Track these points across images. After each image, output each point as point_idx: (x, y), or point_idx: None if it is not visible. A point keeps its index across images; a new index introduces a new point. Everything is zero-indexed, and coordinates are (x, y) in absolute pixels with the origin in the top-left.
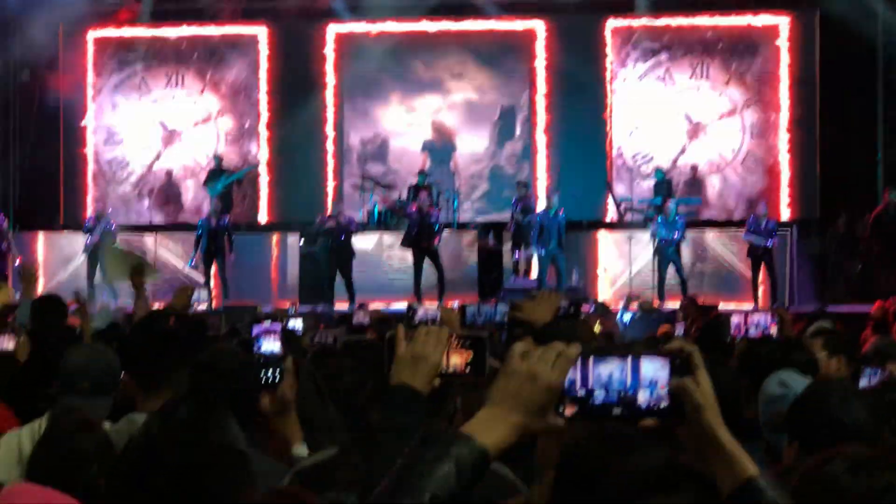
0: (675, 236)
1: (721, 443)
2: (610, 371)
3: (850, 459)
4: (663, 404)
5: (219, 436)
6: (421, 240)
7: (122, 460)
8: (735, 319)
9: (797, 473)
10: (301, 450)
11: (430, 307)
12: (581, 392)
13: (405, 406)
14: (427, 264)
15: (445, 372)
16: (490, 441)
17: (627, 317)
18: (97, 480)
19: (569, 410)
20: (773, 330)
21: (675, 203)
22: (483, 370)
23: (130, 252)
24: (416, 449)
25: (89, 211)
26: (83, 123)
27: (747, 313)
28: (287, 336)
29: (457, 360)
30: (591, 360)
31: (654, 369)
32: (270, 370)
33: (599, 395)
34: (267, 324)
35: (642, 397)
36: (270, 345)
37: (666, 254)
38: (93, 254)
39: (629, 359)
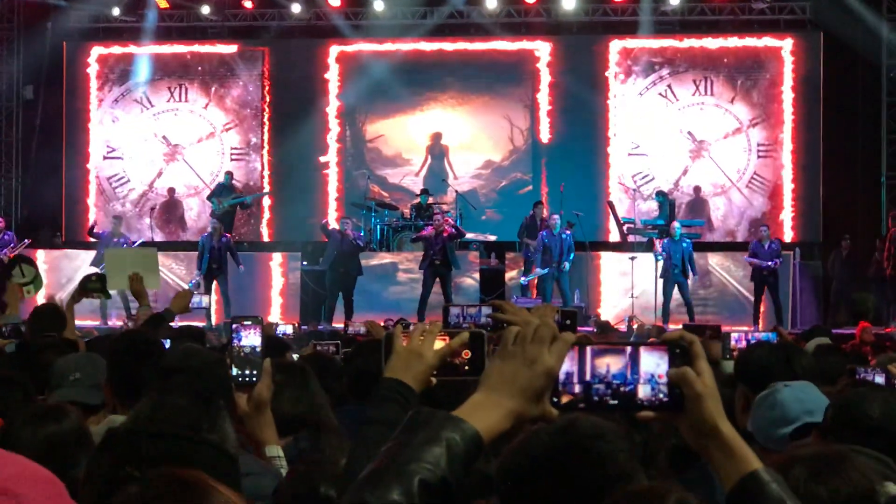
0: (682, 257)
1: (722, 434)
2: (608, 363)
3: (810, 466)
4: (662, 396)
5: (210, 431)
6: (436, 259)
7: (101, 451)
8: (735, 336)
9: None
10: (274, 450)
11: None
12: (578, 386)
13: (395, 400)
14: (436, 286)
15: (443, 370)
16: (483, 426)
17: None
18: (75, 470)
19: (564, 399)
20: None
21: (680, 224)
22: (482, 369)
23: (136, 256)
24: (404, 431)
25: (95, 228)
26: (88, 166)
27: (747, 333)
28: (273, 341)
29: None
30: (588, 352)
31: (653, 362)
32: (248, 369)
33: (598, 389)
34: (247, 322)
35: (642, 392)
36: (251, 339)
37: (671, 276)
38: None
39: (628, 351)
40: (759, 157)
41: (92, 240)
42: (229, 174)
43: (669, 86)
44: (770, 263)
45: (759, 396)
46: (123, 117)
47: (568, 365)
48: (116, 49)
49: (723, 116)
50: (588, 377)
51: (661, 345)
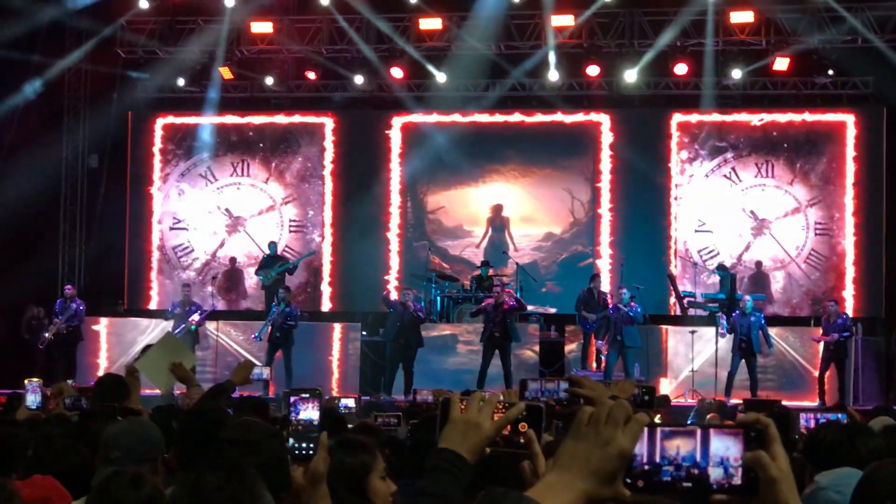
0: (753, 331)
1: None
2: (678, 445)
3: None
4: (735, 480)
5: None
6: (495, 331)
7: None
8: (805, 416)
9: None
10: None
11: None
12: (647, 466)
13: (450, 471)
14: (496, 359)
15: (499, 442)
16: None
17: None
18: None
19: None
20: None
21: (752, 298)
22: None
23: (163, 350)
24: None
25: (154, 297)
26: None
27: (817, 410)
28: (334, 418)
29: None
30: (658, 433)
31: (723, 445)
32: (304, 442)
33: (668, 471)
34: (305, 395)
35: (714, 475)
36: (308, 413)
37: (740, 350)
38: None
39: (698, 433)
40: (816, 234)
41: (152, 307)
42: (273, 244)
43: (734, 168)
44: (836, 336)
45: (802, 496)
46: (189, 190)
47: (637, 446)
48: (181, 119)
49: (782, 197)
50: (658, 459)
51: (731, 427)
